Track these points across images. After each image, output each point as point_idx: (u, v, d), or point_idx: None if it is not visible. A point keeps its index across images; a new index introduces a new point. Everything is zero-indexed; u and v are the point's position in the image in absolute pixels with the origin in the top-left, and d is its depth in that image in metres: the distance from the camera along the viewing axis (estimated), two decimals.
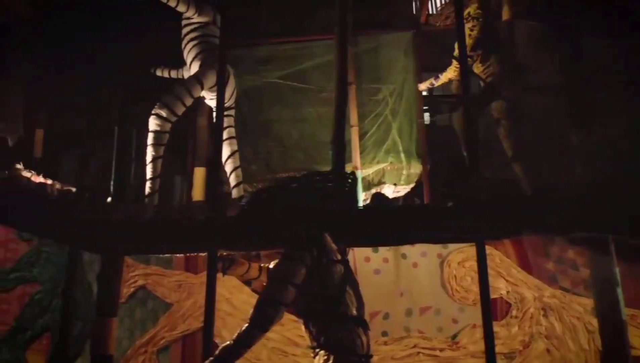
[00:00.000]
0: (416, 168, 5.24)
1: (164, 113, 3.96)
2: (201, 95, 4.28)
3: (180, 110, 4.08)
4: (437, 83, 5.11)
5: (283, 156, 5.74)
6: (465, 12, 4.49)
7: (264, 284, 3.44)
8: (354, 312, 2.73)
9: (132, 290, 4.92)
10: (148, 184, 3.93)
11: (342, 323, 2.67)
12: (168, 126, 4.01)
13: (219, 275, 4.91)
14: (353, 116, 5.31)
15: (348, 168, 5.66)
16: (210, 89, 4.21)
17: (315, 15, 6.56)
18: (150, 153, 3.93)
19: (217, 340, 4.72)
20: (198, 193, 5.29)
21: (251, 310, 4.88)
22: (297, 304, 2.68)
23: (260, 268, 3.37)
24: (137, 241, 3.30)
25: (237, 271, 3.30)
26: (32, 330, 4.95)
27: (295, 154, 5.67)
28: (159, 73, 4.97)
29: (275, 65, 5.92)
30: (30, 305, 5.03)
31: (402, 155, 5.22)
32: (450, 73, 4.95)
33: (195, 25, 4.41)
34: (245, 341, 2.53)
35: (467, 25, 4.38)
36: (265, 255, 3.97)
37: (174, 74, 4.91)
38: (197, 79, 4.13)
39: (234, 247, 3.15)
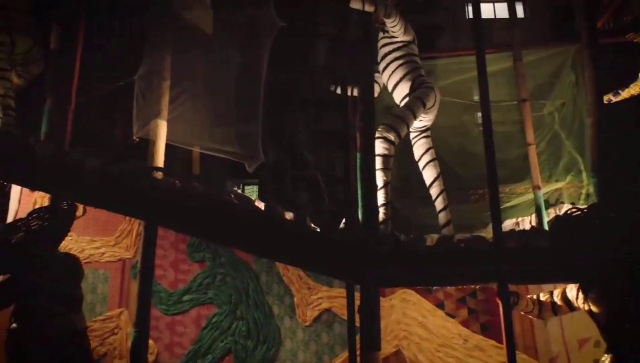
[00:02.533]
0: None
1: (391, 136, 3.87)
2: None
3: (404, 132, 4.00)
4: (616, 99, 4.98)
5: (443, 171, 5.63)
6: None
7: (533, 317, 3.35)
8: None
9: (316, 313, 4.81)
10: (382, 211, 3.84)
11: None
12: (393, 149, 3.91)
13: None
14: (529, 134, 5.15)
15: (524, 188, 5.55)
16: (427, 109, 4.12)
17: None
18: (380, 177, 3.83)
19: None
20: None
21: (447, 333, 4.72)
22: None
23: (534, 301, 3.27)
24: (411, 273, 3.20)
25: (521, 306, 3.21)
26: (212, 354, 4.86)
27: (457, 169, 5.54)
28: (339, 92, 4.88)
29: (432, 79, 5.82)
30: (208, 327, 4.94)
31: (584, 174, 5.08)
32: (635, 89, 4.82)
33: (399, 45, 4.31)
34: None
35: None
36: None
37: (348, 91, 4.83)
38: (421, 100, 4.05)
39: (528, 279, 3.04)
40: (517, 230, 5.44)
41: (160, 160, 3.81)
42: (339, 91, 4.86)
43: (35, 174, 3.75)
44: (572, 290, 3.08)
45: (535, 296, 3.27)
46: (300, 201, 8.36)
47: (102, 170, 3.56)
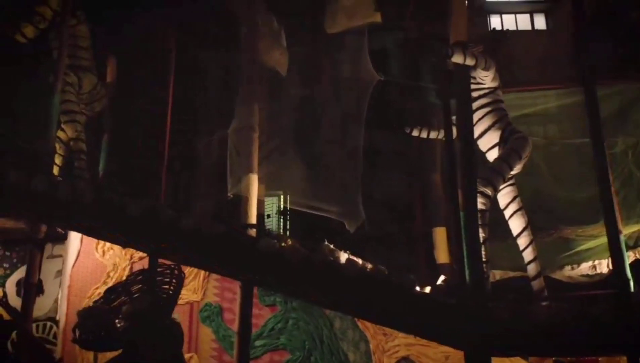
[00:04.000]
0: None
1: (488, 191, 3.78)
2: None
3: (500, 185, 3.90)
4: None
5: None
6: None
7: None
8: None
9: (393, 360, 4.71)
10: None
11: None
12: (489, 204, 3.82)
13: None
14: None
15: (598, 230, 5.40)
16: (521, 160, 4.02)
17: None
18: (480, 234, 3.73)
19: None
20: (442, 255, 5.11)
21: None
22: None
23: None
24: (528, 342, 3.11)
25: None
26: None
27: (532, 212, 5.39)
28: (415, 134, 4.78)
29: None
30: None
31: None
32: None
33: (486, 91, 4.21)
34: None
35: None
36: None
37: (424, 134, 4.74)
38: (517, 152, 3.95)
39: None
40: (593, 273, 5.34)
41: (253, 216, 3.74)
42: (414, 133, 4.78)
43: (126, 231, 3.70)
44: None
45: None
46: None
47: (197, 230, 3.50)
